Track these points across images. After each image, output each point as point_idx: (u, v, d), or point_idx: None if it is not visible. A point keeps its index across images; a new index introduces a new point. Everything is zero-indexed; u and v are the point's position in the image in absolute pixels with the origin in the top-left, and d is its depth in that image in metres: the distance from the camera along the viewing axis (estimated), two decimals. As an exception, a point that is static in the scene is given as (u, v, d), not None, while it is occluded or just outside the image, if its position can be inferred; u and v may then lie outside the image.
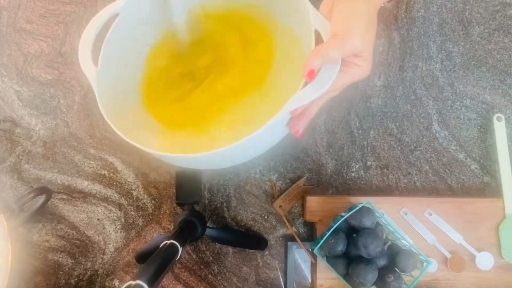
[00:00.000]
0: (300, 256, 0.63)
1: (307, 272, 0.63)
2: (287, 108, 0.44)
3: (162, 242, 0.47)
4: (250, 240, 0.63)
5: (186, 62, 0.63)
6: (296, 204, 0.64)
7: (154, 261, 0.43)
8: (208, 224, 0.64)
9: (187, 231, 0.52)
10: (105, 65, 0.53)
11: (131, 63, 0.59)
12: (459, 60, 0.68)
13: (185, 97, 0.60)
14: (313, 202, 0.62)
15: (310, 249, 0.62)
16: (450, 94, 0.67)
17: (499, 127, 0.64)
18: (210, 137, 0.55)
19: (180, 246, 0.47)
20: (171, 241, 0.46)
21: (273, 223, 0.64)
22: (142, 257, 0.61)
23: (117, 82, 0.56)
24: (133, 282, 0.38)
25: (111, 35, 0.54)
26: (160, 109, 0.59)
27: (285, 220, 0.63)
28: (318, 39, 0.47)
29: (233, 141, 0.43)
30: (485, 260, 0.60)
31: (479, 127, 0.66)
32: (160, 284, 0.62)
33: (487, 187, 0.65)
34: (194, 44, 0.63)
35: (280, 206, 0.63)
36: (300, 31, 0.53)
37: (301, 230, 0.64)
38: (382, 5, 0.50)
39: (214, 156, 0.45)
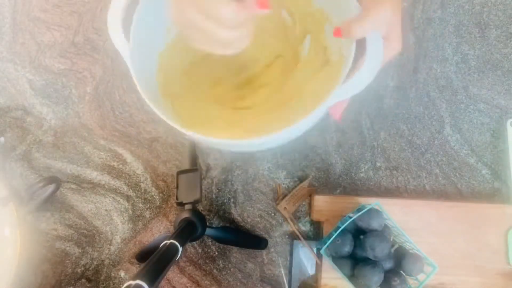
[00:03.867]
0: (304, 254, 0.63)
1: (311, 271, 0.63)
2: (336, 97, 0.43)
3: (162, 242, 0.47)
4: (250, 240, 0.63)
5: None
6: (304, 203, 0.64)
7: (154, 261, 0.43)
8: (211, 221, 0.64)
9: (187, 231, 0.52)
10: (136, 42, 0.49)
11: (157, 45, 0.56)
12: (475, 63, 0.67)
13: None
14: (321, 201, 0.62)
15: (316, 249, 0.62)
16: (464, 97, 0.66)
17: (512, 132, 0.63)
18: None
19: (180, 246, 0.47)
20: (171, 241, 0.46)
21: (280, 220, 0.64)
22: (143, 256, 0.62)
23: (144, 63, 0.52)
24: (133, 282, 0.38)
25: (140, 12, 0.49)
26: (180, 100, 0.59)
27: (290, 222, 0.63)
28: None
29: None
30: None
31: (492, 132, 0.65)
32: (165, 277, 0.63)
33: (498, 193, 0.64)
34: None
35: (285, 208, 0.63)
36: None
37: (307, 228, 0.64)
38: None
39: (265, 141, 0.45)
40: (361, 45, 0.45)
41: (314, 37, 0.58)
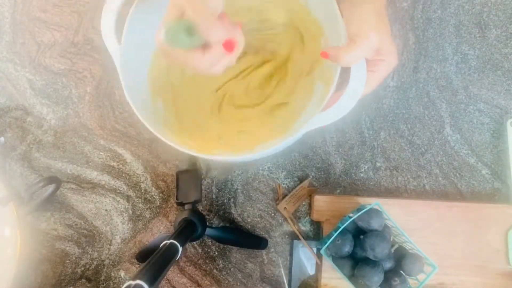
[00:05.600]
0: (304, 254, 0.63)
1: (311, 271, 0.63)
2: (323, 122, 0.46)
3: (162, 242, 0.47)
4: (250, 240, 0.63)
5: None
6: (304, 203, 0.64)
7: (154, 261, 0.43)
8: (211, 221, 0.64)
9: (187, 231, 0.52)
10: (128, 44, 0.50)
11: (148, 46, 0.55)
12: (475, 63, 0.67)
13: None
14: (321, 201, 0.62)
15: (316, 249, 0.62)
16: (464, 97, 0.66)
17: (512, 132, 0.63)
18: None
19: (180, 246, 0.47)
20: (171, 241, 0.46)
21: (280, 220, 0.64)
22: (143, 256, 0.62)
23: (135, 64, 0.53)
24: (133, 282, 0.38)
25: (133, 12, 0.50)
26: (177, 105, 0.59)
27: (290, 222, 0.63)
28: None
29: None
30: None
31: (492, 132, 0.65)
32: (165, 277, 0.63)
33: (498, 193, 0.64)
34: None
35: (285, 208, 0.63)
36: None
37: (307, 228, 0.64)
38: None
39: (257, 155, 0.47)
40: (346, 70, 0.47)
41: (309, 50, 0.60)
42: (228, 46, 0.42)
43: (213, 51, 0.42)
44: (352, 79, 0.46)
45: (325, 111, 0.46)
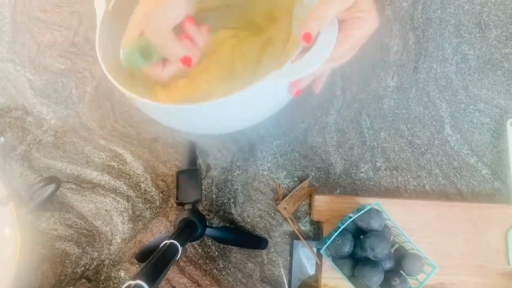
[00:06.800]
0: (304, 254, 0.63)
1: (311, 271, 0.63)
2: (285, 77, 0.42)
3: (162, 242, 0.47)
4: (250, 240, 0.63)
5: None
6: (304, 203, 0.64)
7: (154, 261, 0.43)
8: (211, 221, 0.64)
9: (187, 231, 0.52)
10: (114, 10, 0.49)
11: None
12: (475, 63, 0.67)
13: None
14: (321, 201, 0.62)
15: (316, 249, 0.62)
16: (464, 97, 0.66)
17: (512, 132, 0.63)
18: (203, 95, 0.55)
19: (180, 246, 0.47)
20: (171, 240, 0.46)
21: (280, 220, 0.64)
22: (143, 256, 0.62)
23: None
24: (133, 282, 0.38)
25: None
26: None
27: (290, 222, 0.63)
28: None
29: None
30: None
31: (492, 132, 0.65)
32: (165, 277, 0.63)
33: (498, 193, 0.64)
34: None
35: (285, 208, 0.63)
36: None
37: (307, 228, 0.64)
38: None
39: (210, 109, 0.43)
40: None
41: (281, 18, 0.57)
42: (186, 62, 0.43)
43: (172, 67, 0.44)
44: (321, 34, 0.42)
45: (289, 66, 0.42)
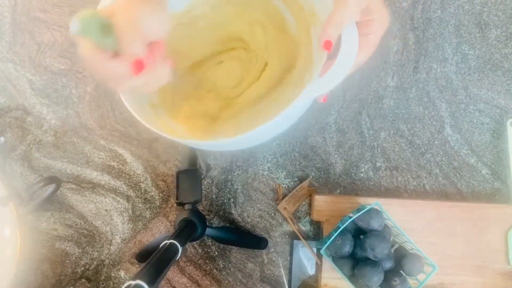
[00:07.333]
0: (304, 254, 0.63)
1: (311, 271, 0.63)
2: (317, 91, 0.43)
3: (162, 242, 0.47)
4: (250, 240, 0.64)
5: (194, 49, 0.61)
6: (304, 203, 0.64)
7: (154, 261, 0.43)
8: (211, 221, 0.64)
9: (187, 231, 0.52)
10: None
11: None
12: (475, 63, 0.67)
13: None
14: (321, 201, 0.62)
15: (316, 249, 0.62)
16: (464, 97, 0.66)
17: (512, 132, 0.63)
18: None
19: (180, 246, 0.47)
20: (171, 240, 0.46)
21: (280, 220, 0.64)
22: (143, 256, 0.62)
23: None
24: (133, 282, 0.38)
25: None
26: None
27: (290, 222, 0.63)
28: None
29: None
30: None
31: (492, 132, 0.65)
32: (165, 277, 0.63)
33: (498, 193, 0.64)
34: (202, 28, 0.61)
35: (285, 208, 0.63)
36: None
37: (307, 228, 0.64)
38: None
39: (252, 135, 0.45)
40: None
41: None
42: (136, 66, 0.38)
43: (118, 62, 0.38)
44: (343, 43, 0.43)
45: (318, 80, 0.44)
